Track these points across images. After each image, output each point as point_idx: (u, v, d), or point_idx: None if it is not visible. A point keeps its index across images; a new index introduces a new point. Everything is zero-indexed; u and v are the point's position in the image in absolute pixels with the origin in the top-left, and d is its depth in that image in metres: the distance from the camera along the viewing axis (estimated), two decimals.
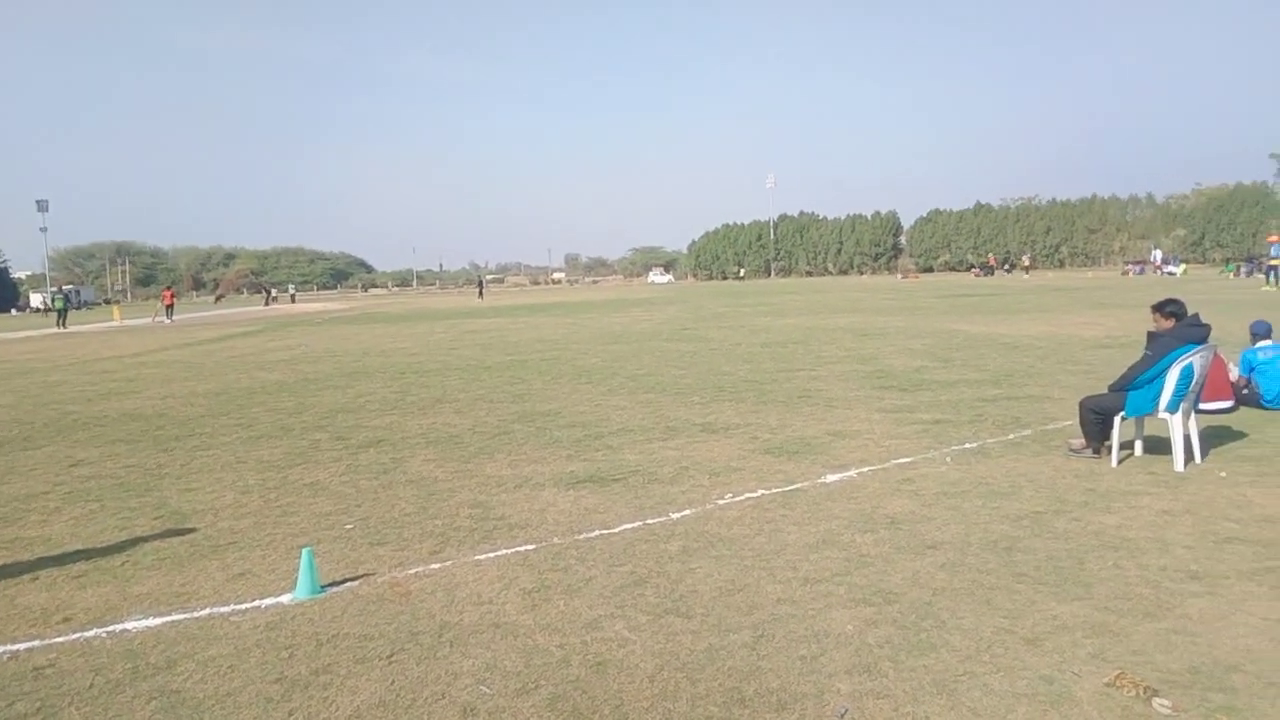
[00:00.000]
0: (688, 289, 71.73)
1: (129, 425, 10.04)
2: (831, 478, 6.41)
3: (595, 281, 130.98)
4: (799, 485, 6.24)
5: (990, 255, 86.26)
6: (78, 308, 70.91)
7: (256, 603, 4.37)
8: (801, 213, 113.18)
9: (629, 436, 8.22)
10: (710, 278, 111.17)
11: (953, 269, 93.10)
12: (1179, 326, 6.60)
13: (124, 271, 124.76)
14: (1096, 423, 6.64)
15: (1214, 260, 74.46)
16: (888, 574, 4.43)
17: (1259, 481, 5.94)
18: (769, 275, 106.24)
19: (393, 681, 3.46)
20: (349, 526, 5.63)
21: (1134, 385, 6.54)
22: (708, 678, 3.39)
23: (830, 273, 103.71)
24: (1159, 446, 6.72)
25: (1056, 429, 7.79)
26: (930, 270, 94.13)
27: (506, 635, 3.86)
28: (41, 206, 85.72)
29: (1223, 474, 6.15)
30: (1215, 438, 7.23)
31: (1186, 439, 6.41)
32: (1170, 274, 57.09)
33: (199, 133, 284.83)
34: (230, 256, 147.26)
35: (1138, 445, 6.81)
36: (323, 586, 4.50)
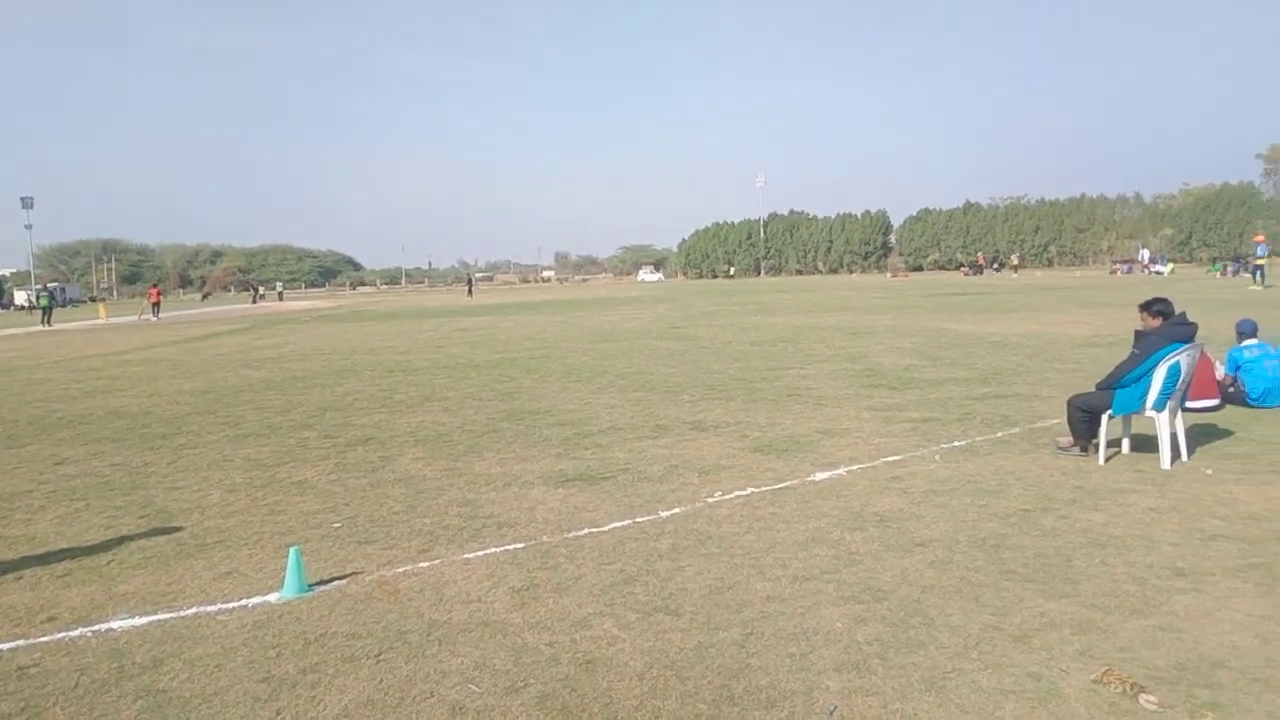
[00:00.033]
0: (678, 287, 71.77)
1: (114, 423, 9.97)
2: (821, 476, 6.42)
3: (585, 280, 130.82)
4: (788, 483, 6.24)
5: (979, 254, 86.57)
6: (63, 305, 70.42)
7: (243, 601, 4.34)
8: (792, 211, 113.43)
9: (618, 435, 8.22)
10: (700, 276, 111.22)
11: (942, 268, 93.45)
12: (1166, 325, 6.64)
13: (110, 269, 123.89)
14: (1084, 421, 6.67)
15: (1201, 260, 74.96)
16: (877, 571, 4.44)
17: (1244, 479, 5.97)
18: (759, 274, 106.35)
19: (381, 680, 3.44)
20: (337, 525, 5.61)
21: (1121, 383, 6.57)
22: (697, 675, 3.39)
23: (820, 271, 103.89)
24: (1146, 444, 6.75)
25: (1044, 427, 7.82)
26: (920, 269, 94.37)
27: (495, 633, 3.85)
28: (26, 203, 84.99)
29: (1209, 472, 6.19)
30: (1202, 436, 7.27)
31: (1173, 437, 6.45)
32: (1158, 273, 57.39)
33: (186, 130, 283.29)
34: (217, 254, 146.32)
35: (1125, 443, 6.84)
36: (310, 585, 4.47)
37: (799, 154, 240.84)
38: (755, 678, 3.35)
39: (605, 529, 5.31)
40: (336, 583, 4.56)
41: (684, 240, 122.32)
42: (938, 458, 6.86)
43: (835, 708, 3.11)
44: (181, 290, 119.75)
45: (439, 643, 3.78)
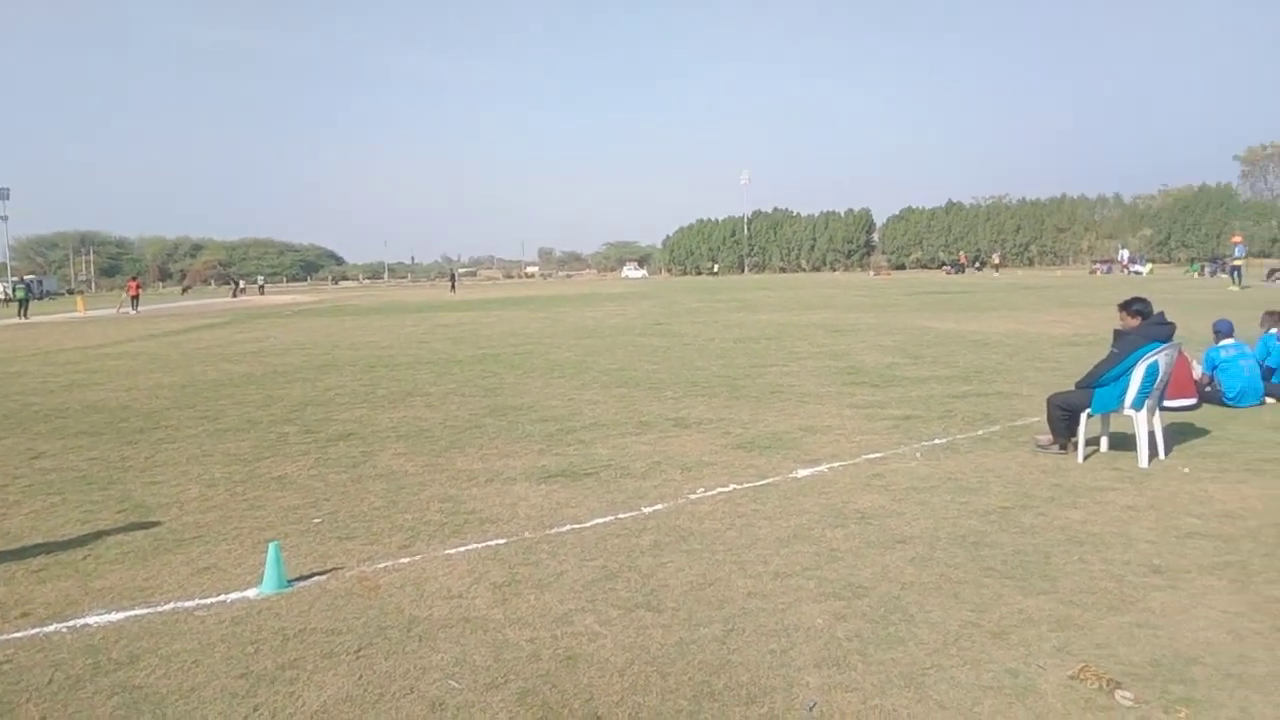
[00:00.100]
0: (662, 284, 71.80)
1: (92, 417, 9.87)
2: (803, 473, 6.44)
3: (569, 275, 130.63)
4: (770, 480, 6.26)
5: (961, 253, 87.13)
6: (40, 298, 69.59)
7: (221, 597, 4.31)
8: (776, 209, 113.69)
9: (601, 431, 8.21)
10: (684, 273, 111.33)
11: (924, 266, 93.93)
12: (1145, 325, 6.70)
13: (88, 261, 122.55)
14: (1063, 419, 6.73)
15: (1179, 260, 75.71)
16: (857, 568, 4.45)
17: (1220, 477, 6.04)
18: (743, 271, 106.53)
19: (360, 676, 3.43)
20: (317, 520, 5.58)
21: (1100, 382, 6.62)
22: (678, 671, 3.39)
23: (804, 269, 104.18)
24: (1124, 443, 6.82)
25: (1024, 425, 7.88)
26: (902, 268, 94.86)
27: (476, 630, 3.84)
28: (2, 194, 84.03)
29: (1186, 470, 6.25)
30: (1179, 434, 7.35)
31: (1151, 435, 6.51)
32: (1137, 273, 57.93)
33: (166, 122, 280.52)
34: (197, 247, 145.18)
35: (1103, 441, 6.90)
36: (290, 581, 4.45)
37: (783, 152, 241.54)
38: (736, 674, 3.36)
39: (587, 525, 5.31)
40: (316, 578, 4.53)
41: (668, 237, 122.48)
42: (919, 455, 6.90)
43: (815, 703, 3.12)
44: (161, 283, 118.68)
45: (419, 639, 3.76)
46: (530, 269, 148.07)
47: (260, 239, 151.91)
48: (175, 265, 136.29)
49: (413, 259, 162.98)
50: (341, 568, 4.68)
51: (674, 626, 3.81)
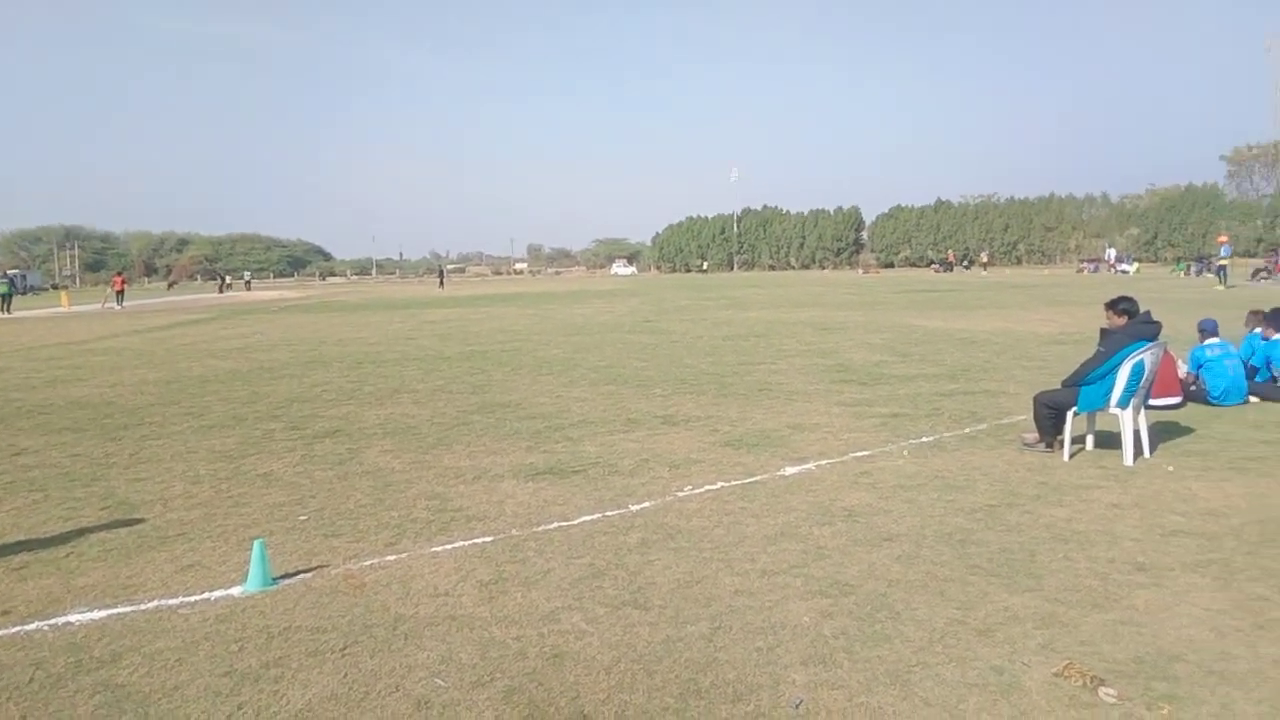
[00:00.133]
0: (651, 281, 71.79)
1: (75, 413, 9.80)
2: (790, 470, 6.45)
3: (558, 272, 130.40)
4: (758, 478, 6.27)
5: (950, 252, 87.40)
6: (23, 293, 68.88)
7: (206, 595, 4.29)
8: (765, 206, 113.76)
9: (589, 428, 8.21)
10: (674, 270, 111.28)
11: (913, 265, 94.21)
12: (1131, 324, 6.73)
13: (73, 256, 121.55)
14: (1050, 417, 6.75)
15: (1166, 259, 76.15)
16: (844, 566, 4.46)
17: (1204, 476, 6.08)
18: (732, 268, 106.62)
19: (345, 675, 3.41)
20: (303, 518, 5.55)
21: (1087, 381, 6.66)
22: (665, 669, 3.39)
23: (793, 267, 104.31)
24: (1110, 441, 6.85)
25: (1011, 423, 7.91)
26: (891, 266, 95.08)
27: (462, 627, 3.82)
28: None
29: (1170, 468, 6.29)
30: (1164, 433, 7.39)
31: (1136, 434, 6.55)
32: (1123, 272, 58.23)
33: (151, 116, 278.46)
34: (184, 242, 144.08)
35: (1089, 440, 6.93)
36: (275, 578, 4.42)
37: (773, 149, 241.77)
38: (723, 671, 3.36)
39: (575, 523, 5.30)
40: (302, 576, 4.51)
41: (657, 234, 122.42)
42: (906, 453, 6.92)
43: (801, 701, 3.12)
44: (147, 279, 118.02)
45: (405, 637, 3.75)
46: (519, 266, 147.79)
47: (247, 234, 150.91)
48: (161, 260, 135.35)
49: (401, 255, 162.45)
50: (327, 565, 4.66)
51: (661, 624, 3.81)
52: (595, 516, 5.42)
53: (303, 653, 3.61)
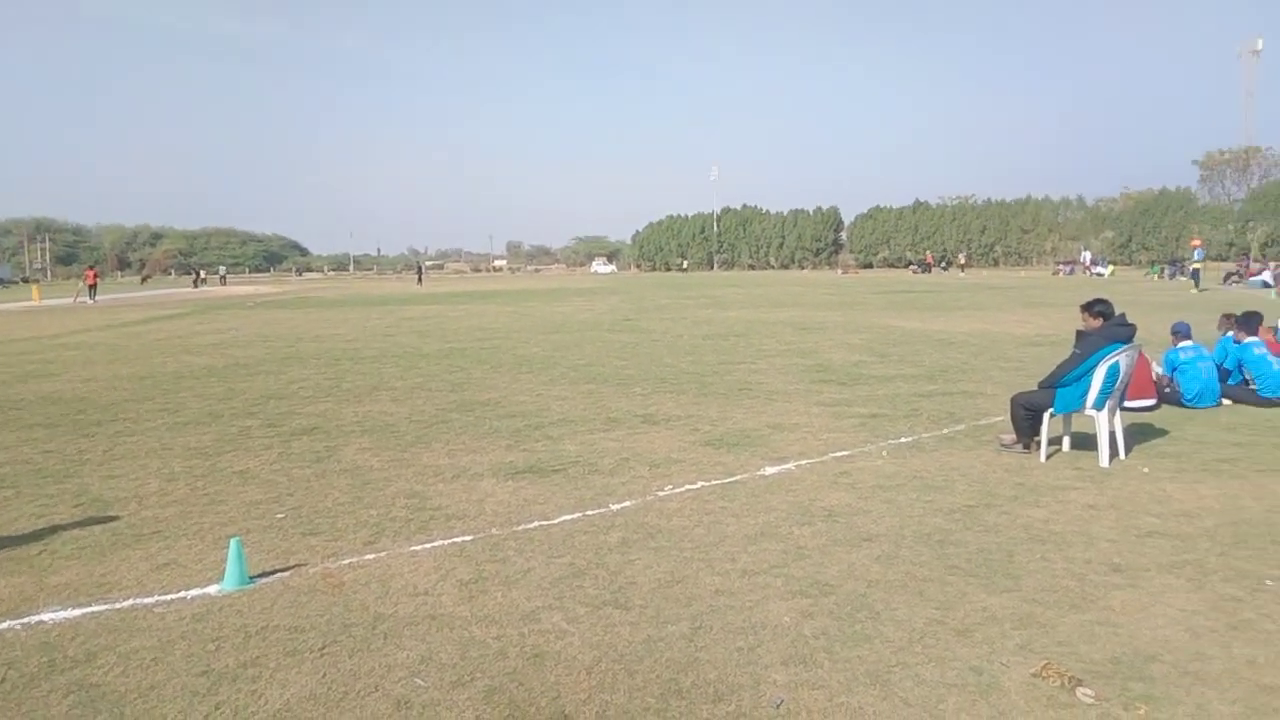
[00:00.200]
0: (631, 280, 71.74)
1: (47, 409, 9.66)
2: (770, 470, 6.47)
3: (537, 270, 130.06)
4: (738, 477, 6.28)
5: (928, 253, 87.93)
6: None
7: (182, 594, 4.24)
8: (745, 206, 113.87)
9: (569, 427, 8.19)
10: (654, 269, 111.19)
11: (892, 265, 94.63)
12: (1106, 326, 6.80)
13: (44, 249, 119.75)
14: (1027, 418, 6.81)
15: (1140, 262, 76.94)
16: (824, 566, 4.48)
17: (1178, 477, 6.15)
18: (712, 268, 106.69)
19: (324, 674, 3.38)
20: (280, 516, 5.50)
21: (1063, 382, 6.72)
22: (645, 669, 3.39)
23: (772, 266, 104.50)
24: (1086, 442, 6.92)
25: (988, 424, 7.97)
26: (870, 266, 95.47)
27: (442, 627, 3.80)
28: None
29: (1145, 470, 6.36)
30: (1139, 434, 7.47)
31: (1112, 435, 6.61)
32: (1099, 274, 58.80)
33: (125, 108, 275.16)
34: (157, 236, 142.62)
35: (1065, 441, 7.00)
36: (252, 577, 4.38)
37: (753, 149, 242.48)
38: (703, 671, 3.36)
39: (555, 522, 5.29)
40: (279, 575, 4.47)
41: (637, 232, 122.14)
42: (885, 453, 6.96)
43: (782, 701, 3.13)
44: (119, 273, 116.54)
45: (384, 636, 3.72)
46: (498, 263, 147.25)
47: (222, 228, 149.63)
48: (134, 254, 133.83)
49: (379, 251, 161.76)
50: (305, 564, 4.63)
51: (642, 624, 3.80)
52: (575, 516, 5.41)
53: (281, 652, 3.58)
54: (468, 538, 5.01)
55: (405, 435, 7.92)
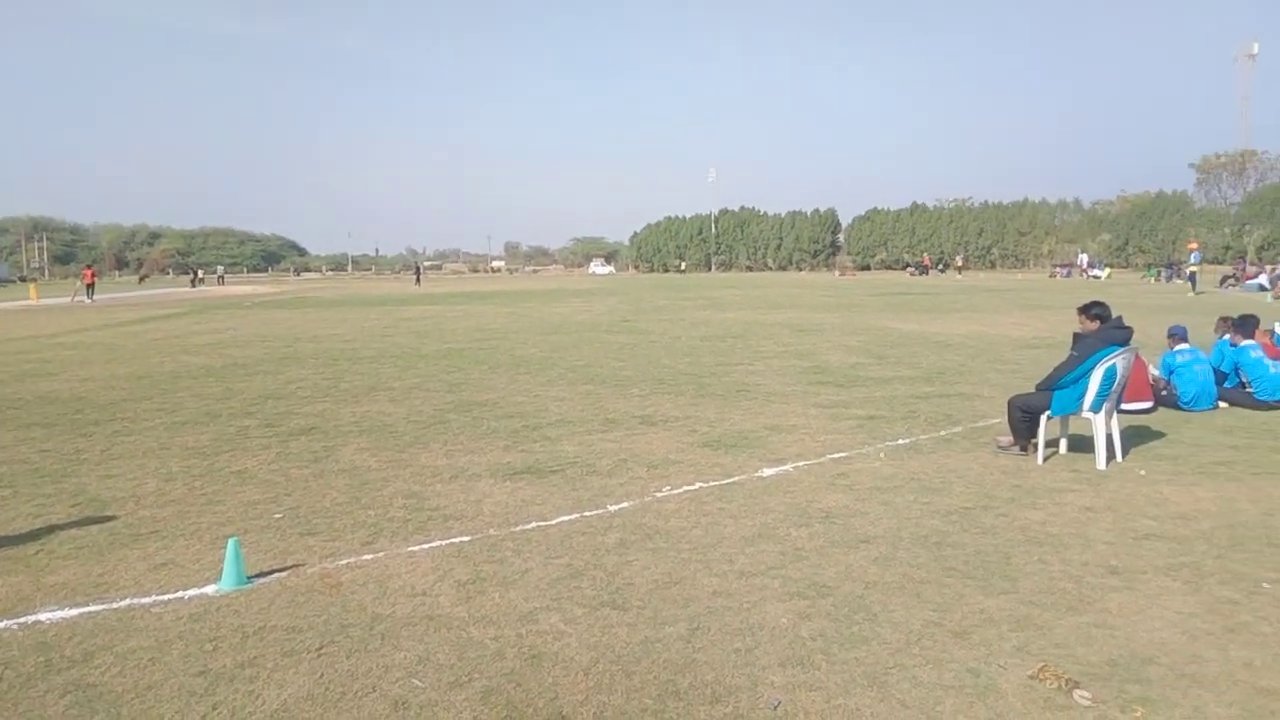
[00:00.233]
0: (629, 281, 71.73)
1: (45, 408, 9.65)
2: (768, 471, 6.47)
3: (535, 271, 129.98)
4: (736, 479, 6.28)
5: (925, 255, 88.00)
6: None
7: (179, 594, 4.23)
8: (742, 207, 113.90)
9: (567, 428, 8.19)
10: (652, 270, 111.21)
11: (889, 267, 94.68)
12: (1103, 329, 6.81)
13: (41, 248, 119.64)
14: (1024, 421, 6.82)
15: (1137, 265, 77.01)
16: (822, 567, 4.48)
17: (1175, 480, 6.17)
18: (709, 269, 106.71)
19: (321, 675, 3.38)
20: (278, 516, 5.50)
21: (1060, 385, 6.73)
22: (643, 670, 3.39)
23: (770, 268, 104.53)
24: (1082, 445, 6.93)
25: (986, 426, 7.98)
26: (867, 268, 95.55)
27: (440, 628, 3.80)
28: None
29: (1142, 472, 6.37)
30: (1135, 437, 7.49)
31: (1108, 438, 6.62)
32: (1095, 277, 58.87)
33: (123, 107, 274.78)
34: (155, 235, 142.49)
35: (1062, 443, 7.01)
36: (249, 577, 4.38)
37: (751, 150, 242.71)
38: (701, 673, 3.36)
39: (553, 523, 5.29)
40: (277, 575, 4.47)
41: (636, 234, 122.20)
42: (883, 455, 6.96)
43: (779, 703, 3.13)
44: (117, 272, 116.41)
45: (382, 637, 3.72)
46: (496, 264, 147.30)
47: (220, 228, 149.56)
48: (132, 254, 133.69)
49: (377, 251, 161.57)
50: (303, 564, 4.62)
51: (639, 625, 3.81)
52: (573, 516, 5.41)
53: (278, 653, 3.58)
54: (465, 538, 5.01)
55: (403, 436, 7.92)
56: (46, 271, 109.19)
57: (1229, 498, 5.70)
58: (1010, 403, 6.99)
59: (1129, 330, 6.81)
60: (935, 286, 46.25)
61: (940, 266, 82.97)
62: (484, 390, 10.58)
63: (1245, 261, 55.33)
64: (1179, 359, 9.00)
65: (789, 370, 12.12)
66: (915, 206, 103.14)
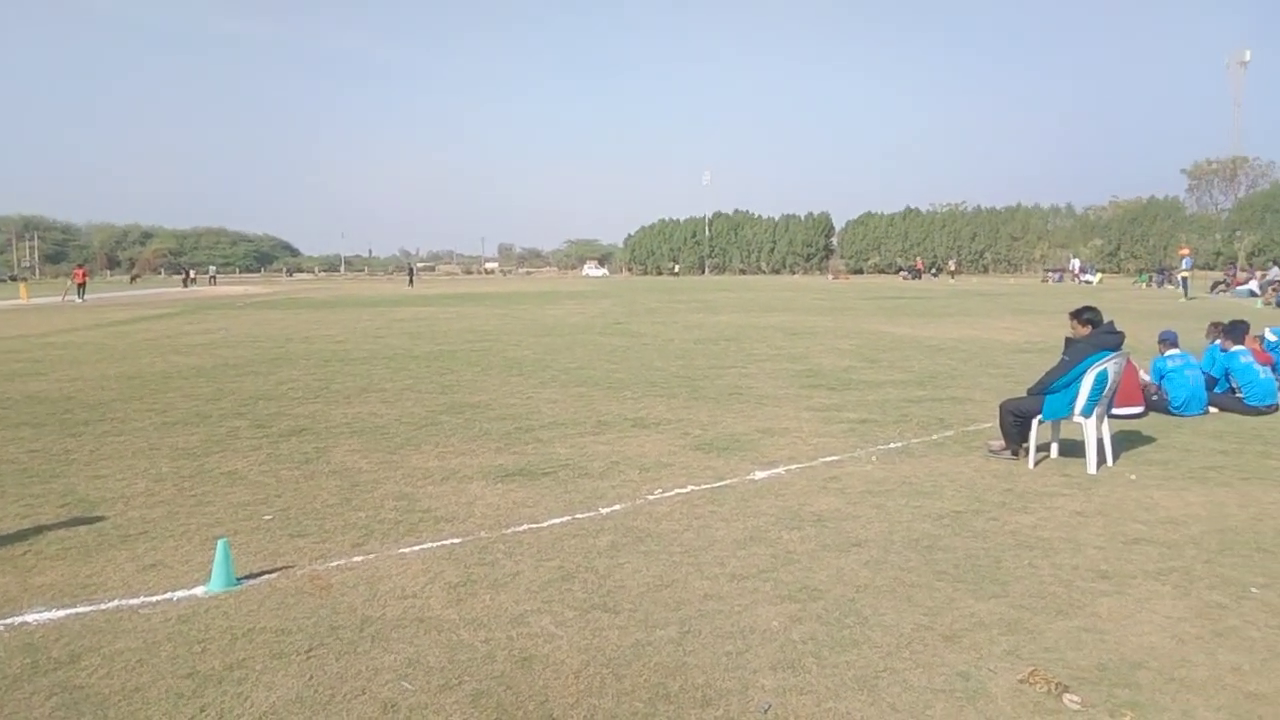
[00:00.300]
0: (622, 283, 71.74)
1: (34, 408, 9.60)
2: (760, 475, 6.47)
3: (529, 273, 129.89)
4: (728, 482, 6.28)
5: (918, 259, 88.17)
6: None
7: (168, 595, 4.21)
8: (736, 210, 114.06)
9: (559, 430, 8.18)
10: (645, 273, 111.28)
11: (882, 271, 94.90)
12: (1095, 333, 6.83)
13: (32, 247, 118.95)
14: (1015, 425, 6.84)
15: (1128, 270, 77.31)
16: (813, 571, 4.48)
17: (1165, 485, 6.19)
18: (703, 272, 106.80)
19: (311, 677, 3.37)
20: (268, 517, 5.48)
21: (1051, 389, 6.75)
22: (634, 673, 3.38)
23: (763, 271, 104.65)
24: (1074, 449, 6.95)
25: (977, 430, 8.00)
26: (860, 272, 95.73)
27: (430, 630, 3.79)
28: None
29: (1132, 477, 6.39)
30: (1126, 442, 7.51)
31: (1099, 442, 6.64)
32: (1087, 282, 59.06)
33: (116, 106, 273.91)
34: (147, 235, 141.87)
35: (1054, 448, 7.03)
36: (239, 579, 4.36)
37: (745, 154, 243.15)
38: (692, 676, 3.36)
39: (544, 525, 5.28)
40: (266, 576, 4.45)
41: (630, 236, 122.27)
42: (874, 459, 6.97)
43: (770, 706, 3.13)
44: (109, 272, 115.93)
45: (372, 639, 3.71)
46: (490, 265, 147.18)
47: (212, 228, 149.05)
48: (124, 253, 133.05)
49: (370, 252, 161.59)
50: (292, 566, 4.60)
51: (630, 628, 3.80)
52: (565, 519, 5.40)
53: (267, 654, 3.56)
54: (456, 540, 5.00)
55: (395, 437, 7.90)
56: (37, 271, 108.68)
57: (1219, 503, 5.72)
58: (1002, 407, 7.01)
59: (1120, 335, 6.83)
60: (928, 291, 46.37)
61: (933, 271, 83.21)
62: (476, 392, 10.56)
63: (1236, 267, 55.64)
64: (1170, 364, 9.03)
65: (781, 373, 12.13)
66: (909, 211, 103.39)
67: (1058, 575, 4.41)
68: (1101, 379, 6.56)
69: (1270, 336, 10.31)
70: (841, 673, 3.38)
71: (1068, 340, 6.97)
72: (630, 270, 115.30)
